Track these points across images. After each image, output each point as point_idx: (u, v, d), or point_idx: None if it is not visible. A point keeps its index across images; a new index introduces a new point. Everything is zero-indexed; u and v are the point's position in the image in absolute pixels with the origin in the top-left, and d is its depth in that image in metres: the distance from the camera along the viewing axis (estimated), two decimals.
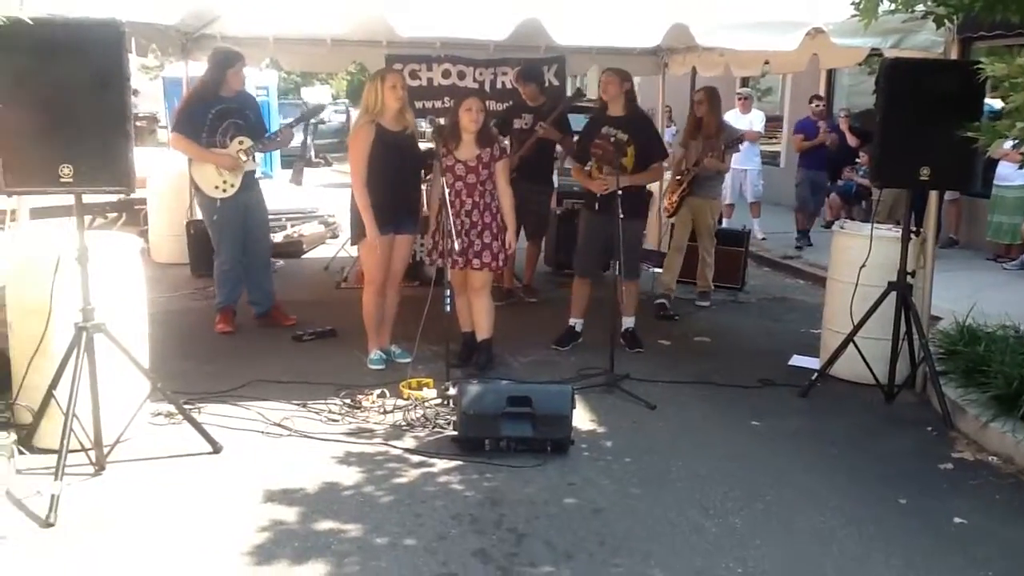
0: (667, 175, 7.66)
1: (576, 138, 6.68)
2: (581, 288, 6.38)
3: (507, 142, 7.27)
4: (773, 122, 14.65)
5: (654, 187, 8.02)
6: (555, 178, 8.07)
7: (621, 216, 5.44)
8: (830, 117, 11.35)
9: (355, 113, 20.94)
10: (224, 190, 6.25)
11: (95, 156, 3.83)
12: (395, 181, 5.52)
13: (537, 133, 7.22)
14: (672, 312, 7.40)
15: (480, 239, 5.55)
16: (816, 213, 11.25)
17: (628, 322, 6.41)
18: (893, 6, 4.81)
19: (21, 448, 4.16)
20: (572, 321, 6.41)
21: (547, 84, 8.21)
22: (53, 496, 3.69)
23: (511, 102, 8.03)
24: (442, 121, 5.70)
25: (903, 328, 5.34)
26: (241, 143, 6.24)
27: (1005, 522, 3.98)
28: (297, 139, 18.58)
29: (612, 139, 5.98)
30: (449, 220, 5.28)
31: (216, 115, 6.20)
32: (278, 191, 11.68)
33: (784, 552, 3.63)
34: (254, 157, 6.37)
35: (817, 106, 11.24)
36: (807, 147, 10.96)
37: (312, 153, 20.53)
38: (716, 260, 7.88)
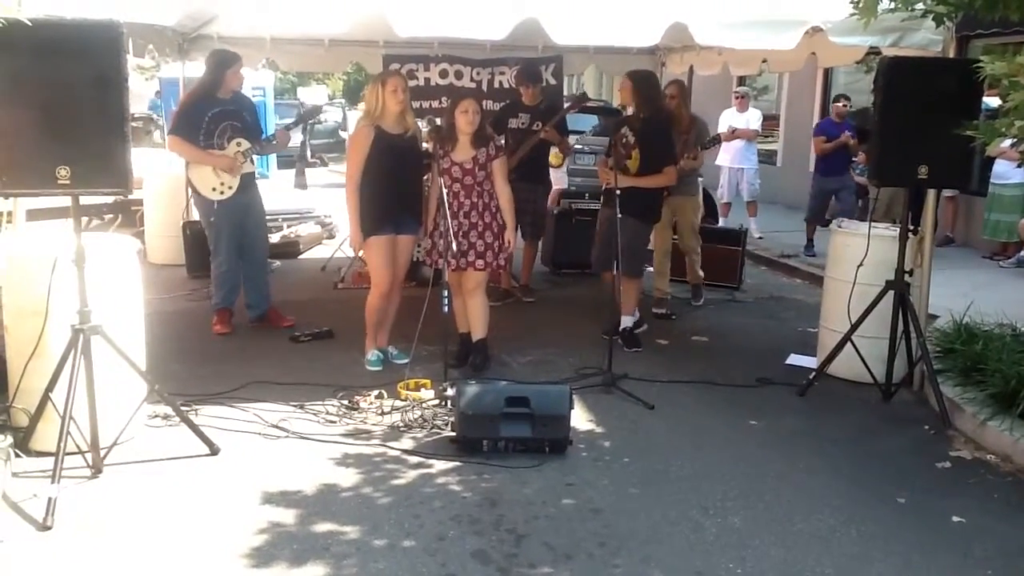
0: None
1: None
2: (606, 281, 6.26)
3: (502, 140, 7.28)
4: (770, 120, 14.66)
5: None
6: (565, 177, 8.00)
7: (619, 215, 5.45)
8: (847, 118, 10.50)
9: (351, 113, 21.02)
10: (222, 192, 6.24)
11: (93, 157, 3.81)
12: (396, 183, 5.50)
13: (539, 135, 7.22)
14: (670, 312, 7.39)
15: (481, 239, 5.54)
16: (821, 221, 10.25)
17: (626, 321, 6.39)
18: (893, 4, 4.81)
19: (18, 451, 4.14)
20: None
21: (545, 83, 8.21)
22: (50, 499, 3.68)
23: (508, 101, 8.03)
24: (439, 121, 5.67)
25: (900, 327, 5.34)
26: (239, 145, 6.23)
27: (1003, 520, 3.98)
28: (295, 139, 18.64)
29: (624, 140, 6.05)
30: (447, 221, 5.28)
31: (213, 117, 6.18)
32: (275, 192, 11.69)
33: (784, 551, 3.63)
34: (252, 159, 6.37)
35: (845, 105, 10.63)
36: (829, 149, 10.25)
37: (308, 153, 20.55)
38: (713, 260, 7.89)
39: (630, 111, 6.22)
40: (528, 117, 7.39)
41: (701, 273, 7.84)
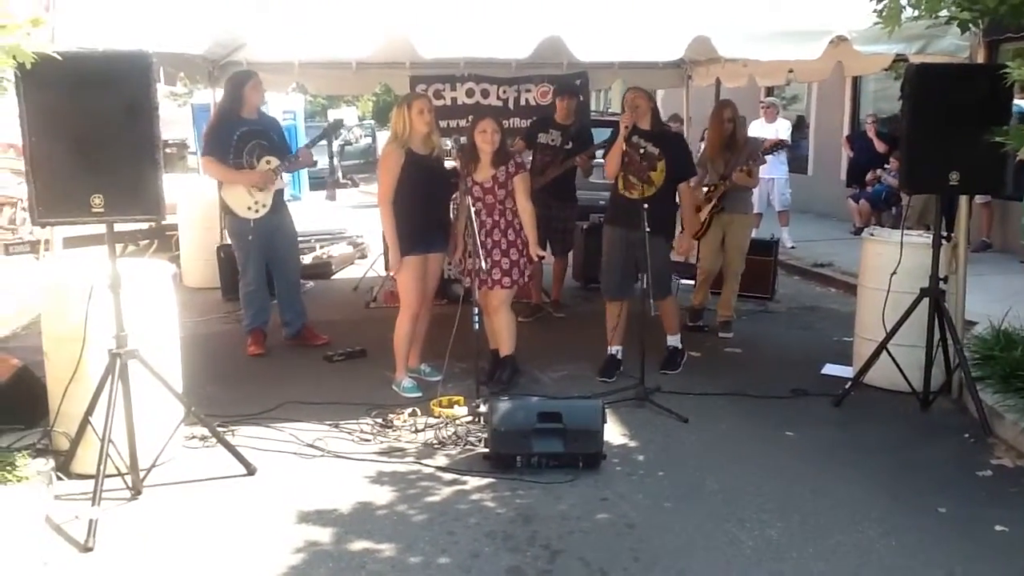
0: None
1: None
2: (612, 311, 6.03)
3: (530, 156, 7.30)
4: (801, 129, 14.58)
5: None
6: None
7: (648, 231, 5.39)
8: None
9: (380, 135, 21.19)
10: (257, 211, 6.34)
11: (125, 185, 3.90)
12: (426, 203, 5.54)
13: (575, 163, 7.25)
14: (703, 324, 7.33)
15: (506, 257, 5.55)
16: None
17: (675, 340, 6.20)
18: (916, 13, 4.78)
19: (59, 474, 4.22)
20: (611, 350, 6.05)
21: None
22: (91, 521, 3.73)
23: (536, 118, 8.05)
24: (463, 140, 5.69)
25: (937, 334, 5.28)
26: (268, 163, 6.33)
27: None
28: (323, 162, 18.80)
29: (641, 151, 5.87)
30: (476, 239, 5.31)
31: (241, 137, 6.29)
32: (307, 213, 11.80)
33: (823, 564, 3.59)
34: (281, 176, 6.46)
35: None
36: None
37: (340, 174, 20.69)
38: (746, 271, 7.59)
39: (643, 122, 5.88)
40: (559, 134, 7.41)
41: (734, 313, 7.34)
